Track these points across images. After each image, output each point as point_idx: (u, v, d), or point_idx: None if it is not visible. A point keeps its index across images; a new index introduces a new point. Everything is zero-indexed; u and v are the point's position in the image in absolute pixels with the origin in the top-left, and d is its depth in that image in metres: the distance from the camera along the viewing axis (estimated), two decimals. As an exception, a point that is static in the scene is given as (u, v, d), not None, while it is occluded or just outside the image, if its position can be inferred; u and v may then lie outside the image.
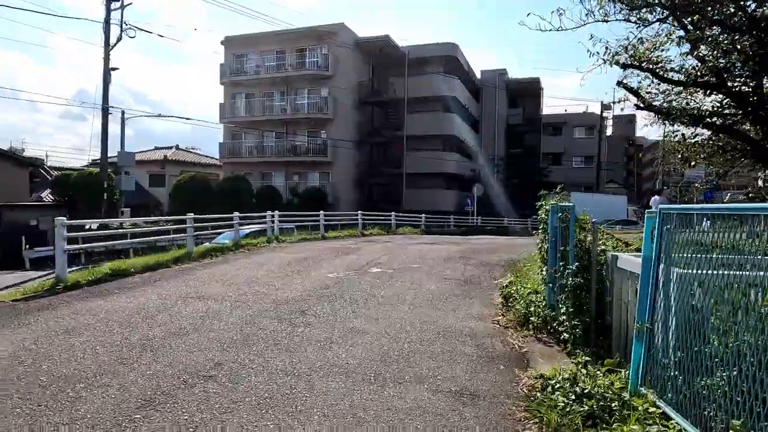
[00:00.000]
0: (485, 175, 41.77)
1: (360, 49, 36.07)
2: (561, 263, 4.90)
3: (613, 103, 48.45)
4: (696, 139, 15.29)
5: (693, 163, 16.55)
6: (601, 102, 47.64)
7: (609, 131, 68.42)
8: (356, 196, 35.64)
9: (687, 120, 10.20)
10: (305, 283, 7.45)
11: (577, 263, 4.64)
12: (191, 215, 11.09)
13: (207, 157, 43.64)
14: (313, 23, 35.57)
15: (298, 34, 34.64)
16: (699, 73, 9.59)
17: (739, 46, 8.95)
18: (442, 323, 5.24)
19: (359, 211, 19.63)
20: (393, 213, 22.03)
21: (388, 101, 36.81)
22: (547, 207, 5.30)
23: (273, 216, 14.86)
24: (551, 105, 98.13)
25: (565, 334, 4.56)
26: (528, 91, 48.76)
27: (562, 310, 4.67)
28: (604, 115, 49.99)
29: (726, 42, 9.02)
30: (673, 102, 11.93)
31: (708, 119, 10.46)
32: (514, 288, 5.91)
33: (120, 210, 25.36)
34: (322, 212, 17.14)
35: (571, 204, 4.88)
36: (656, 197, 20.38)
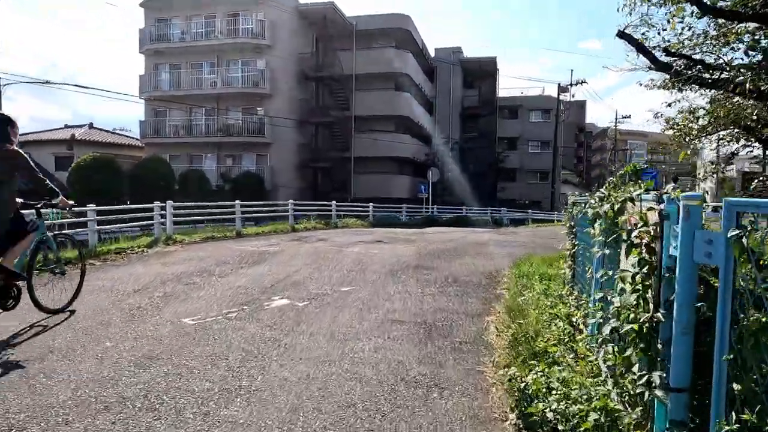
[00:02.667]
0: (440, 160, 38.75)
1: (302, 16, 31.94)
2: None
3: (571, 85, 46.69)
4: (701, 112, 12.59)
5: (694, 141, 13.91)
6: (558, 84, 45.39)
7: (562, 116, 67.30)
8: (299, 182, 31.77)
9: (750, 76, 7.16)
10: (114, 352, 3.81)
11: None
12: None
13: (131, 138, 38.17)
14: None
15: (230, -4, 30.16)
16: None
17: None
18: None
19: (290, 200, 15.94)
20: (334, 202, 18.45)
21: (335, 77, 32.98)
22: (655, 204, 1.94)
23: (163, 208, 10.97)
24: (507, 87, 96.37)
25: None
26: (484, 72, 46.06)
27: None
28: (561, 98, 47.95)
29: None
30: (700, 55, 8.95)
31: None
32: (548, 399, 2.50)
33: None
34: (237, 202, 13.34)
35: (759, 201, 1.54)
36: (674, 185, 18.31)
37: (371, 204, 21.82)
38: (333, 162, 33.04)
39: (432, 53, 42.66)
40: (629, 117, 65.79)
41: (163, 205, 11.01)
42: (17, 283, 4.44)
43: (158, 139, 32.43)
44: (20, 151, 4.48)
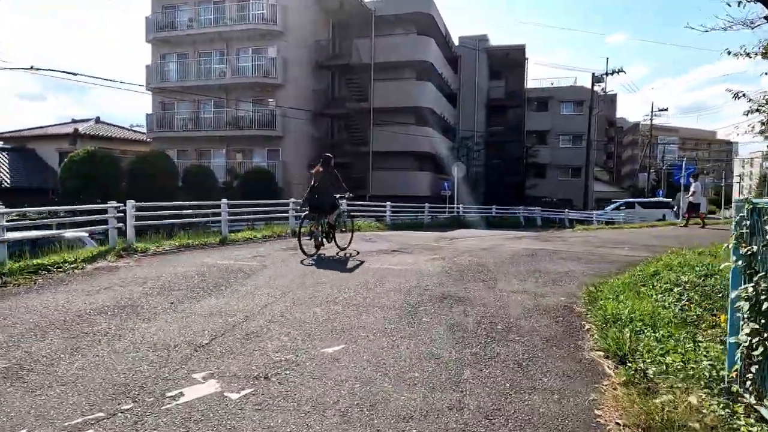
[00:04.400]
0: (465, 155, 35.96)
1: (316, 1, 29.61)
2: None
3: (607, 74, 43.17)
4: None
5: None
6: (593, 74, 41.88)
7: (595, 108, 63.41)
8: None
9: None
10: None
11: None
12: None
13: (141, 133, 36.33)
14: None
15: (239, -21, 27.98)
16: None
17: None
18: None
19: (291, 200, 13.51)
20: (344, 201, 15.93)
21: (352, 66, 30.61)
22: None
23: (122, 209, 8.64)
24: (536, 77, 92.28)
25: None
26: (511, 61, 42.98)
27: None
28: (594, 89, 44.35)
29: None
30: None
31: None
32: None
33: (-22, 197, 18.64)
34: (224, 201, 10.95)
35: None
36: (697, 182, 18.07)
37: (389, 203, 19.27)
38: (350, 157, 30.65)
39: (456, 41, 39.83)
40: (666, 110, 61.08)
41: (119, 205, 8.68)
42: (331, 231, 9.17)
43: (165, 133, 30.54)
44: (337, 173, 9.35)
